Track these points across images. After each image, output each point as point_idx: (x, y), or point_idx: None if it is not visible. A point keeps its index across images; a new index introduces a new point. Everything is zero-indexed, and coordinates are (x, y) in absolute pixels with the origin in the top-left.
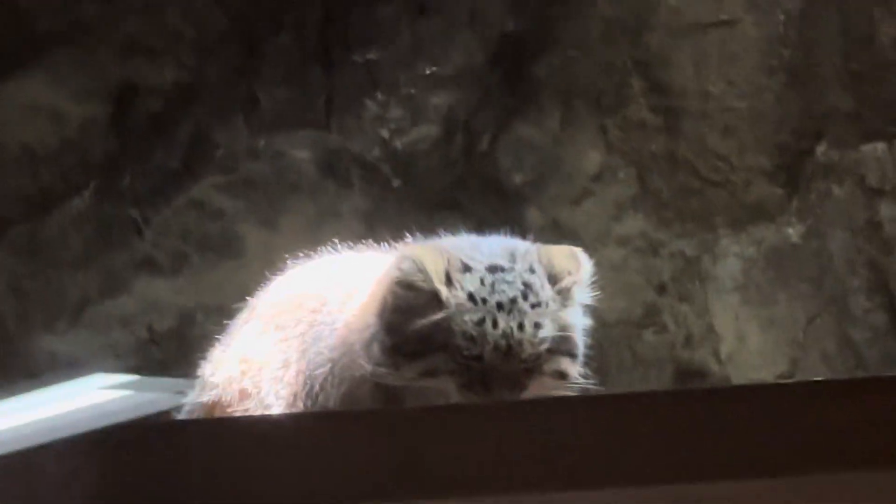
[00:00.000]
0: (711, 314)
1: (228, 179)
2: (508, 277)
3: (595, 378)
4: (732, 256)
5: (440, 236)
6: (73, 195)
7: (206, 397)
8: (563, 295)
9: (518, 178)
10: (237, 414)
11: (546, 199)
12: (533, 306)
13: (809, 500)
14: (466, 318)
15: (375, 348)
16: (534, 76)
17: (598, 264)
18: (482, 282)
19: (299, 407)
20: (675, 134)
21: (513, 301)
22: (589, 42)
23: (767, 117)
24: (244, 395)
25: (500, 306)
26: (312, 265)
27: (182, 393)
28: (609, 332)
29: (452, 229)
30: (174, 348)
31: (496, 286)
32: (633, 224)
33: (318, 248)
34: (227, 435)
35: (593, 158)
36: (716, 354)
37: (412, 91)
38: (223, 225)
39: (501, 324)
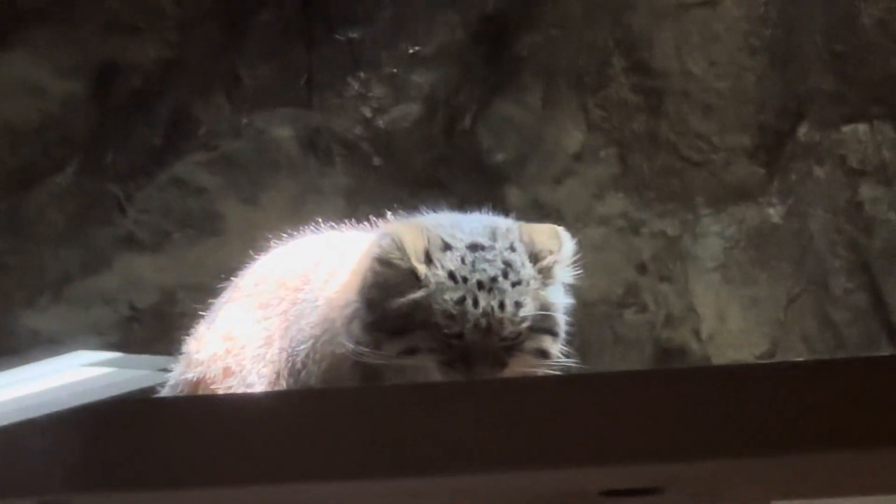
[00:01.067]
0: (692, 294)
1: (210, 157)
2: (489, 256)
3: (575, 357)
4: (713, 236)
5: (423, 213)
6: (54, 171)
7: (191, 374)
8: (545, 273)
9: (499, 157)
10: (221, 391)
11: (527, 178)
12: (514, 284)
13: (791, 478)
14: (447, 296)
15: (356, 326)
16: (515, 55)
17: (578, 244)
18: (463, 260)
19: (282, 385)
20: (657, 114)
21: (493, 279)
22: (571, 21)
23: (749, 97)
24: (228, 372)
25: (480, 285)
26: (296, 244)
27: (164, 370)
28: (590, 311)
29: (434, 207)
30: (155, 325)
31: (476, 264)
32: (615, 203)
33: (302, 227)
34: (208, 412)
35: (575, 137)
36: (696, 334)
37: (394, 70)
38: (205, 202)
39: (482, 302)
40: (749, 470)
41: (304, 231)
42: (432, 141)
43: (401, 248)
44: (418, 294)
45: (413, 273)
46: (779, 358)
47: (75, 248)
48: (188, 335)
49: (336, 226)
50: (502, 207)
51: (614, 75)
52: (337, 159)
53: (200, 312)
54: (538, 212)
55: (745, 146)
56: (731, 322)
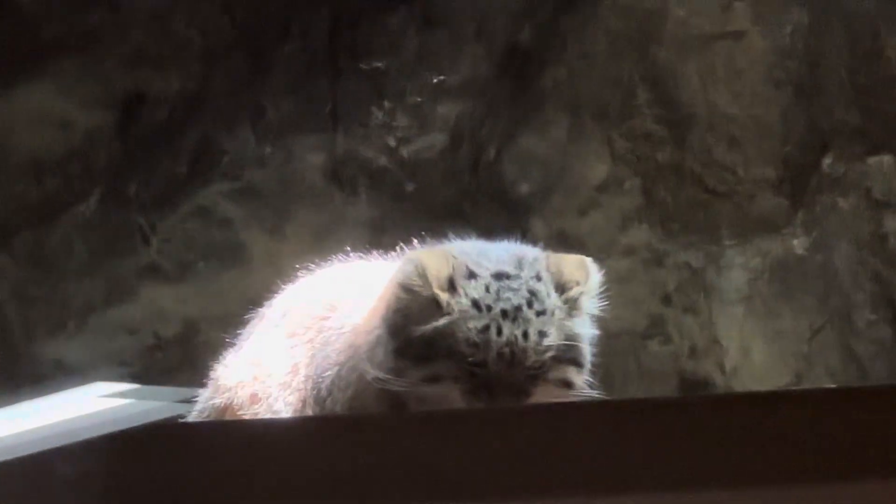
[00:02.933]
0: (716, 326)
1: (234, 187)
2: (514, 285)
3: (600, 388)
4: (737, 268)
5: (451, 241)
6: (78, 202)
7: (218, 400)
8: (571, 304)
9: (524, 189)
10: (247, 417)
11: (551, 210)
12: (538, 314)
13: None
14: (471, 324)
15: (380, 352)
16: (540, 88)
17: (603, 275)
18: (487, 289)
19: (308, 412)
20: (681, 145)
21: (517, 309)
22: (595, 54)
23: (773, 130)
24: (254, 399)
25: (504, 313)
26: (324, 273)
27: (183, 402)
28: (614, 342)
29: (463, 235)
30: (179, 354)
31: (501, 293)
32: (639, 235)
33: (329, 256)
34: (233, 437)
35: (599, 169)
36: (720, 366)
37: (419, 100)
38: (229, 233)
39: (506, 331)
40: (775, 498)
41: (331, 260)
42: (457, 172)
43: (422, 276)
44: (441, 322)
45: (435, 301)
46: None
47: (99, 278)
48: (215, 362)
49: (364, 255)
50: (526, 240)
51: (639, 107)
52: (361, 189)
53: (228, 340)
54: (562, 244)
55: (769, 178)
56: (754, 354)
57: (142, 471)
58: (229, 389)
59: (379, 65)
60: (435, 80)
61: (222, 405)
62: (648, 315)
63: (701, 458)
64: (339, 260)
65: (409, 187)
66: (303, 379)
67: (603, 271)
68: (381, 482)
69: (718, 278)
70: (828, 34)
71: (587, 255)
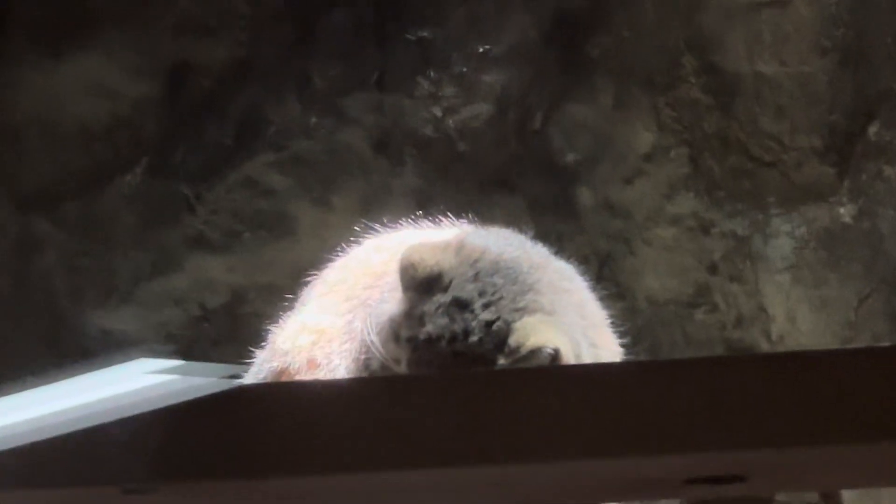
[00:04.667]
0: (762, 294)
1: (281, 157)
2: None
3: (647, 357)
4: (784, 236)
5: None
6: (125, 172)
7: (275, 363)
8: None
9: (570, 157)
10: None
11: (598, 179)
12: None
13: (878, 465)
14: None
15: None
16: (587, 55)
17: (649, 244)
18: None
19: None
20: (727, 114)
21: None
22: (642, 22)
23: (819, 98)
24: (312, 364)
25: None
26: (388, 237)
27: (228, 377)
28: (660, 311)
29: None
30: (226, 325)
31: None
32: (685, 203)
33: (397, 221)
34: (295, 399)
35: (645, 138)
36: (766, 335)
37: (465, 69)
38: (275, 203)
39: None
40: (834, 457)
41: (397, 224)
42: (503, 141)
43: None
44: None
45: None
46: None
47: (146, 248)
48: (273, 325)
49: (437, 221)
50: (572, 208)
51: (685, 76)
52: (408, 159)
53: (282, 306)
54: (609, 212)
55: (815, 146)
56: (801, 323)
57: (198, 436)
58: (286, 353)
59: (425, 34)
60: (481, 50)
61: (279, 368)
62: (694, 284)
63: (763, 417)
64: (408, 224)
65: (455, 157)
66: (358, 346)
67: (647, 240)
68: (443, 443)
69: (765, 247)
70: (874, 2)
71: (633, 224)
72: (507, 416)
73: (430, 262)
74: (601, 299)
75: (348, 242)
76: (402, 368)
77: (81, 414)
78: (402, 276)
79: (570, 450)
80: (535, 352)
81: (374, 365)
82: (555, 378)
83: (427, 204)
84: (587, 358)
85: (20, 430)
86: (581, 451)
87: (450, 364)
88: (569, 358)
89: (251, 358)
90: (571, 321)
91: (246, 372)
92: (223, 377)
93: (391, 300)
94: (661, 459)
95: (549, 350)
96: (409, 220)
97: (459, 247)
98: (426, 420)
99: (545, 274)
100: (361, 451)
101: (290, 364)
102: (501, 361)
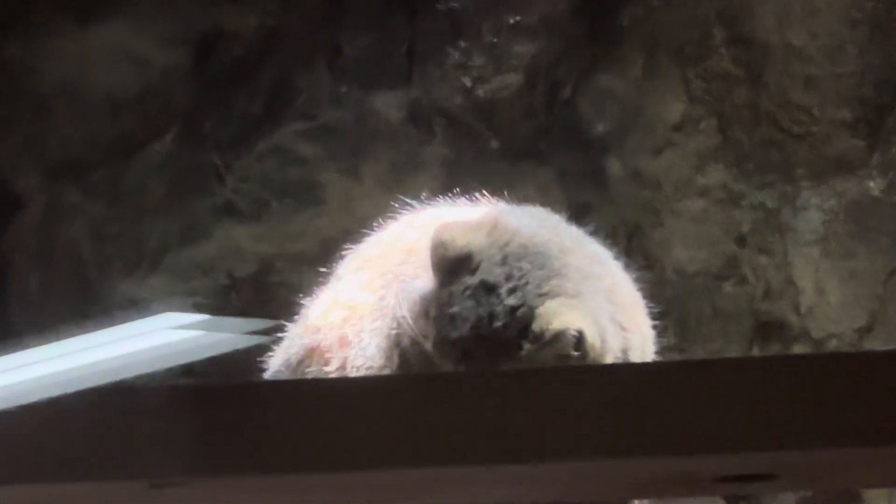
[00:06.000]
0: (791, 266)
1: (310, 126)
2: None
3: (675, 329)
4: (813, 209)
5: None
6: (154, 141)
7: (307, 339)
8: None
9: (600, 128)
10: (335, 360)
11: (627, 149)
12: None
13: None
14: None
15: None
16: (617, 26)
17: (678, 215)
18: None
19: (394, 358)
20: (757, 86)
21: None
22: None
23: (850, 70)
24: (344, 342)
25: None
26: (425, 214)
27: (254, 333)
28: (689, 283)
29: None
30: (253, 294)
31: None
32: (714, 175)
33: (436, 197)
34: (326, 396)
35: (675, 109)
36: (795, 307)
37: (495, 40)
38: (304, 172)
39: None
40: (865, 458)
41: (434, 200)
42: (532, 112)
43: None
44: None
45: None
46: (878, 332)
47: (174, 217)
48: (306, 298)
49: (476, 198)
50: (602, 178)
51: (715, 47)
52: (437, 130)
53: (315, 279)
54: (638, 183)
55: (845, 119)
56: (830, 295)
57: (227, 432)
58: (318, 330)
59: (455, 4)
60: (511, 20)
61: (310, 345)
62: (723, 256)
63: (794, 417)
64: (444, 201)
65: (485, 127)
66: (389, 321)
67: (676, 211)
68: (469, 441)
69: (794, 219)
70: None
71: (662, 195)
72: (537, 414)
73: (461, 242)
74: (631, 274)
75: (384, 217)
76: (429, 345)
77: (102, 369)
78: (433, 254)
79: (600, 448)
80: (558, 335)
81: (405, 342)
82: (585, 377)
83: (456, 174)
84: (614, 341)
85: (36, 385)
86: (612, 450)
87: (474, 346)
88: (593, 340)
89: (281, 327)
90: (597, 305)
91: (274, 328)
92: (250, 333)
93: (424, 276)
94: (692, 459)
95: (573, 332)
96: (447, 196)
97: (492, 227)
98: (454, 418)
99: (574, 258)
100: (389, 448)
101: (321, 341)
102: (526, 347)
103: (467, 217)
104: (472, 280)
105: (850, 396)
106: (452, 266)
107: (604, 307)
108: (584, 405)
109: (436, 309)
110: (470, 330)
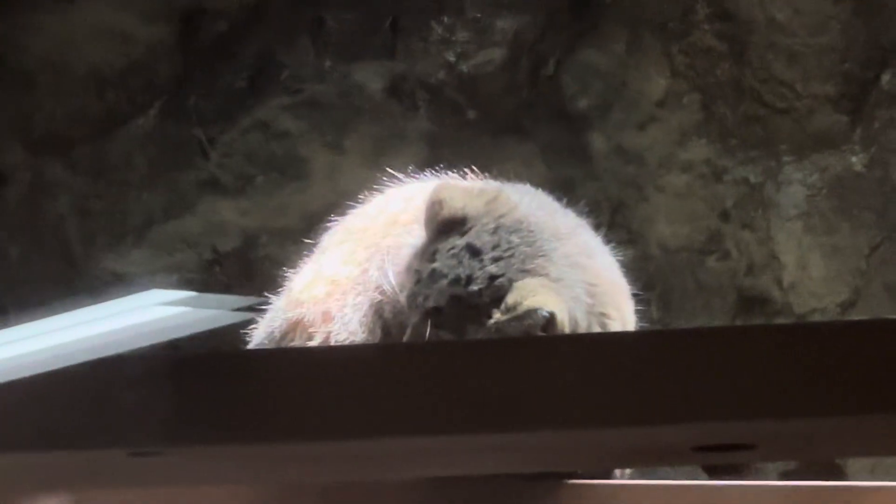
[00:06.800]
0: (774, 242)
1: (294, 101)
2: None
3: (658, 304)
4: (796, 184)
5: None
6: (138, 115)
7: (291, 314)
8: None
9: (583, 103)
10: (319, 335)
11: (610, 125)
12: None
13: (886, 436)
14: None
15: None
16: (600, 1)
17: (661, 190)
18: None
19: (377, 333)
20: (740, 61)
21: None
22: None
23: (833, 46)
24: (327, 317)
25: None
26: (412, 187)
27: (240, 310)
28: (672, 258)
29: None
30: (238, 269)
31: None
32: (697, 150)
33: (424, 171)
34: (305, 364)
35: (658, 84)
36: (778, 282)
37: (478, 15)
38: (288, 146)
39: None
40: (841, 427)
41: (421, 173)
42: (516, 87)
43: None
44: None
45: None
46: (861, 307)
47: (158, 192)
48: (290, 271)
49: (461, 173)
50: (585, 154)
51: (698, 22)
52: (420, 104)
53: (299, 253)
54: (621, 158)
55: (828, 94)
56: (812, 270)
57: (205, 401)
58: (301, 304)
59: None
60: None
61: (294, 319)
62: (706, 231)
63: (771, 387)
64: (432, 175)
65: (468, 102)
66: (372, 292)
67: (659, 187)
68: (449, 411)
69: (777, 194)
70: None
71: (646, 171)
72: (514, 384)
73: (458, 203)
74: (615, 250)
75: (368, 190)
76: (403, 297)
77: (87, 346)
78: (428, 210)
79: (579, 418)
80: (530, 312)
81: (387, 312)
82: (562, 346)
83: (438, 149)
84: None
85: (21, 362)
86: (590, 420)
87: (446, 304)
88: (563, 325)
89: (265, 301)
90: (576, 295)
91: (260, 305)
92: (235, 309)
93: (415, 231)
94: (670, 428)
95: (545, 313)
96: (434, 170)
97: (492, 197)
98: (434, 387)
99: (565, 245)
100: (367, 418)
101: (304, 315)
102: (496, 317)
103: (470, 183)
104: (459, 241)
105: (830, 365)
106: (444, 225)
107: (582, 299)
108: (560, 375)
109: (418, 262)
110: (446, 286)
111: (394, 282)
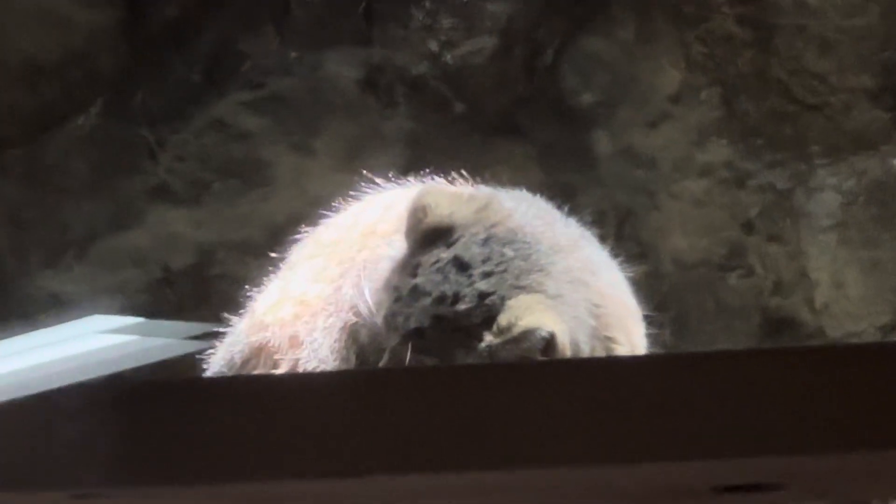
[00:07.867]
0: (805, 256)
1: (256, 96)
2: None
3: (673, 327)
4: (829, 190)
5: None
6: (78, 113)
7: (254, 338)
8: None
9: (586, 99)
10: (285, 363)
11: (618, 123)
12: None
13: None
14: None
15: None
16: None
17: (676, 198)
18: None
19: (351, 360)
20: (766, 50)
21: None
22: None
23: (872, 32)
24: (294, 341)
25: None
26: (391, 194)
27: (192, 338)
28: (688, 275)
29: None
30: (191, 289)
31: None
32: (717, 152)
33: (406, 176)
34: (262, 395)
35: (672, 77)
36: (809, 303)
37: None
38: (249, 148)
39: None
40: (884, 464)
41: (402, 179)
42: (509, 80)
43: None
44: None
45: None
46: None
47: (101, 200)
48: (254, 289)
49: (443, 177)
50: (588, 156)
51: (717, 5)
52: (400, 100)
53: (268, 266)
54: (630, 161)
55: (866, 87)
56: (849, 289)
57: (151, 436)
58: (266, 327)
59: None
60: None
61: (257, 344)
62: (728, 244)
63: (802, 419)
64: (415, 180)
65: (454, 98)
66: (346, 311)
67: (674, 193)
68: (441, 446)
69: (808, 202)
70: None
71: (658, 176)
72: (512, 415)
73: (444, 210)
74: (623, 267)
75: (341, 198)
76: (380, 318)
77: (21, 380)
78: (409, 217)
79: (582, 455)
80: (527, 333)
81: (363, 336)
82: (564, 372)
83: (421, 150)
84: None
85: None
86: (595, 457)
87: (429, 326)
88: (564, 348)
89: (225, 325)
90: (578, 314)
91: (218, 333)
92: (188, 337)
93: (396, 243)
94: (687, 466)
95: (544, 334)
96: (419, 175)
97: (483, 205)
98: (416, 420)
99: (565, 259)
100: (339, 454)
101: (269, 340)
102: (488, 339)
103: (460, 188)
104: (445, 254)
105: (869, 394)
106: (428, 234)
107: (585, 321)
108: (564, 404)
109: (398, 277)
110: (430, 305)
111: (370, 301)
